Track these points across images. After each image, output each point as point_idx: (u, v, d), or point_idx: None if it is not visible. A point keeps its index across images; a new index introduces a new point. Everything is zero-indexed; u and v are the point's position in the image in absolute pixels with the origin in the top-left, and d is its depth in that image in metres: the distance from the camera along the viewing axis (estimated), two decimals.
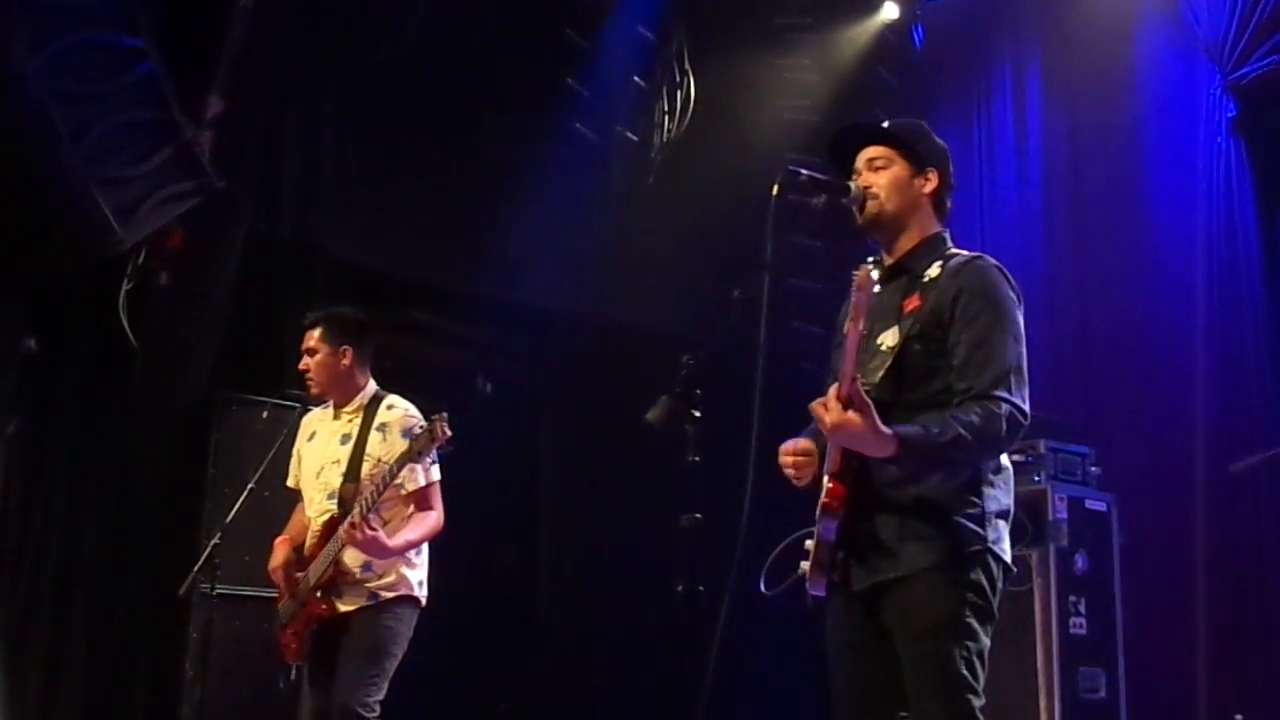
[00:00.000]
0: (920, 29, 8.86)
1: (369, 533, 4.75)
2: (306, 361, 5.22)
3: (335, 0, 7.40)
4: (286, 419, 5.76)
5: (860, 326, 3.25)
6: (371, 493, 4.83)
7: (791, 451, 3.54)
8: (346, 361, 5.18)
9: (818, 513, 3.41)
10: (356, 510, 4.79)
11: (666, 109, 8.57)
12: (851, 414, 3.21)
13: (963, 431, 3.28)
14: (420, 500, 5.04)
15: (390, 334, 8.09)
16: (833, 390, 3.28)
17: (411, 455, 4.77)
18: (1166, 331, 7.00)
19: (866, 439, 3.25)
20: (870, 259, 3.60)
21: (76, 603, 6.61)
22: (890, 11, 8.73)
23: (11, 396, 6.59)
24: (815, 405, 3.30)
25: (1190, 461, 6.70)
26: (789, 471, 3.55)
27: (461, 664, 8.00)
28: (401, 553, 4.97)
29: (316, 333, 5.21)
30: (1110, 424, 7.10)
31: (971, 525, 3.40)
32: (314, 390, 5.26)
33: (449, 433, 4.71)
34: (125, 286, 6.71)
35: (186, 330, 6.89)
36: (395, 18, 7.44)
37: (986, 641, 3.39)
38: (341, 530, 4.82)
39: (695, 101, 8.45)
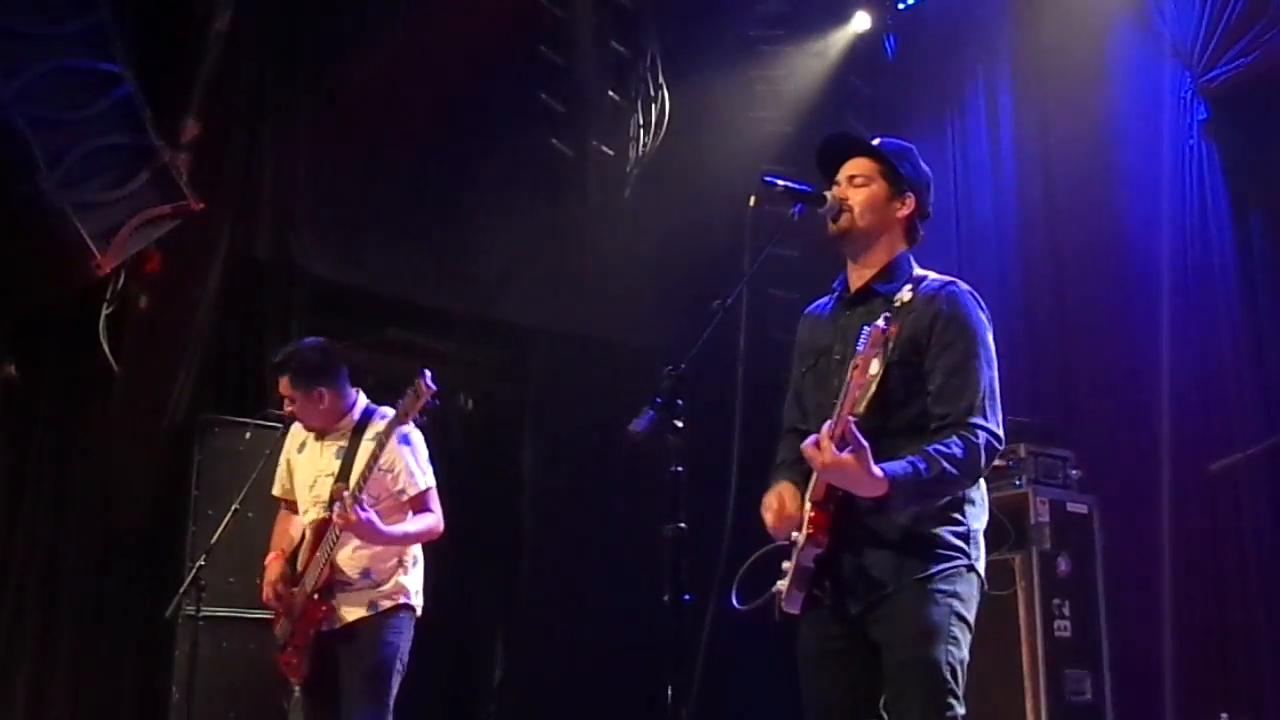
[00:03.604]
0: (892, 38, 8.90)
1: (362, 515, 4.69)
2: (289, 408, 5.17)
3: (310, 21, 7.41)
4: (269, 440, 5.74)
5: (871, 369, 3.22)
6: (361, 473, 4.80)
7: (776, 510, 3.53)
8: (325, 404, 5.13)
9: (800, 539, 3.39)
10: (348, 494, 4.73)
11: (642, 123, 8.60)
12: (846, 456, 3.20)
13: (947, 466, 3.31)
14: (418, 505, 5.03)
15: (369, 352, 8.14)
16: (825, 428, 3.26)
17: (400, 418, 4.76)
18: (1143, 334, 7.03)
19: (860, 480, 3.24)
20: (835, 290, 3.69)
21: (61, 626, 6.60)
22: (862, 22, 8.78)
23: None
24: (807, 445, 3.28)
25: (1169, 462, 6.72)
26: (768, 522, 3.54)
27: (445, 677, 8.00)
28: (398, 542, 4.95)
29: (285, 380, 5.12)
30: (1089, 427, 7.12)
31: (957, 543, 3.45)
32: (310, 429, 5.22)
33: (433, 387, 4.70)
34: (105, 310, 6.72)
35: (167, 353, 6.88)
36: (370, 37, 7.46)
37: (967, 654, 3.42)
38: (335, 515, 4.76)
39: (670, 115, 8.48)
